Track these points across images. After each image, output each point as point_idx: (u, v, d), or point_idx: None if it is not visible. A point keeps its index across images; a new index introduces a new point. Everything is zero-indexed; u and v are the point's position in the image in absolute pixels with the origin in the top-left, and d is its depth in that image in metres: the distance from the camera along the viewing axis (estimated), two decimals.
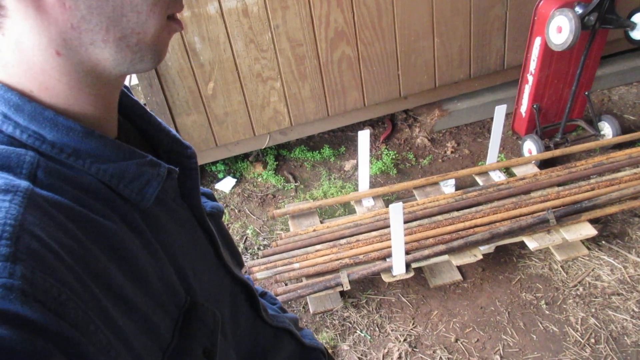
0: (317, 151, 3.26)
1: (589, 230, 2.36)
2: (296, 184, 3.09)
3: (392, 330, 2.25)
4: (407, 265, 2.25)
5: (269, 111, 2.95)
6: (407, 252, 2.25)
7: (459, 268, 2.42)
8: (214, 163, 3.16)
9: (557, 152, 2.87)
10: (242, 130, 2.97)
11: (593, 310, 2.23)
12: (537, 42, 2.77)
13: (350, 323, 2.29)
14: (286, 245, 2.44)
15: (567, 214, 2.37)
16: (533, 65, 2.85)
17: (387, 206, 2.59)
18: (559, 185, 2.62)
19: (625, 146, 2.91)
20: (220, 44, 2.67)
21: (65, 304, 0.39)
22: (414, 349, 2.17)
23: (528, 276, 2.41)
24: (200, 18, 2.57)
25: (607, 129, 3.00)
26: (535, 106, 2.94)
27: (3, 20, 0.44)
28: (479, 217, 2.41)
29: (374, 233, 2.43)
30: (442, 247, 2.27)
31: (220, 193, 3.06)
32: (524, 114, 3.05)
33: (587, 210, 2.39)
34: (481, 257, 2.31)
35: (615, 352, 2.06)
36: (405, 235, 2.21)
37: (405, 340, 2.21)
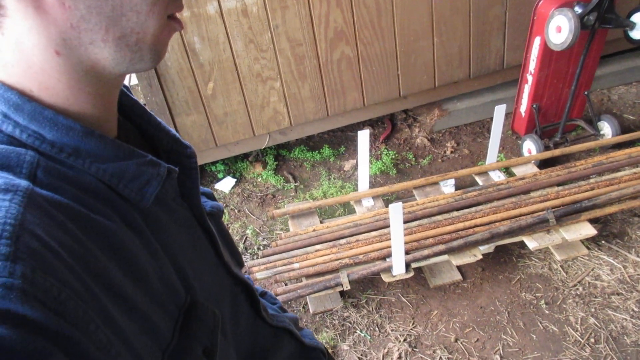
0: (317, 151, 3.26)
1: (589, 230, 2.36)
2: (296, 184, 3.09)
3: (392, 330, 2.25)
4: (407, 265, 2.25)
5: (269, 111, 2.95)
6: (407, 252, 2.25)
7: (459, 268, 2.42)
8: (214, 163, 3.16)
9: (556, 152, 2.87)
10: (242, 130, 2.97)
11: (593, 310, 2.23)
12: (537, 42, 2.77)
13: (350, 323, 2.29)
14: (286, 245, 2.44)
15: (567, 214, 2.37)
16: (532, 65, 2.85)
17: (386, 206, 2.59)
18: (558, 185, 2.62)
19: (624, 146, 2.91)
20: (219, 44, 2.67)
21: (65, 303, 0.39)
22: (414, 349, 2.17)
23: (528, 276, 2.41)
24: (200, 18, 2.57)
25: (606, 129, 3.00)
26: (534, 106, 2.94)
27: (3, 19, 0.44)
28: (479, 217, 2.41)
29: (373, 233, 2.43)
30: (441, 247, 2.27)
31: (220, 193, 3.06)
32: (523, 114, 3.05)
33: (587, 210, 2.39)
34: (481, 257, 2.31)
35: (615, 352, 2.06)
36: (405, 235, 2.21)
37: (405, 340, 2.21)
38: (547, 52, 2.75)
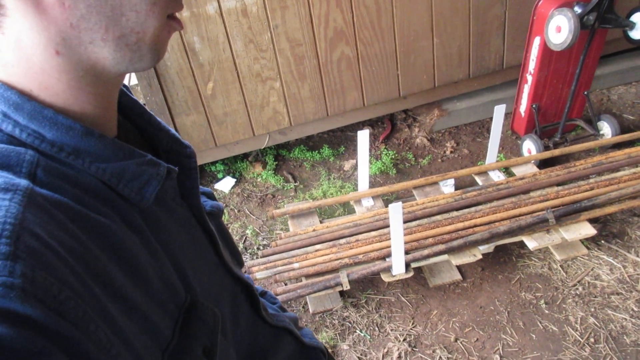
0: (317, 151, 3.26)
1: (588, 230, 2.36)
2: (295, 184, 3.09)
3: (391, 330, 2.25)
4: (407, 265, 2.25)
5: (269, 111, 2.95)
6: (407, 252, 2.25)
7: (459, 268, 2.42)
8: (214, 163, 3.16)
9: (556, 152, 2.87)
10: (242, 130, 2.97)
11: (592, 309, 2.23)
12: (536, 42, 2.77)
13: (350, 323, 2.29)
14: (286, 245, 2.44)
15: (567, 214, 2.37)
16: (532, 64, 2.85)
17: (386, 206, 2.59)
18: (558, 184, 2.62)
19: (624, 146, 2.92)
20: (219, 43, 2.67)
21: (65, 303, 0.39)
22: (414, 349, 2.17)
23: (527, 276, 2.41)
24: (200, 18, 2.57)
25: (606, 129, 3.00)
26: (534, 106, 2.94)
27: (3, 19, 0.44)
28: (479, 217, 2.41)
29: (373, 233, 2.43)
30: (441, 247, 2.27)
31: (220, 193, 3.06)
32: (523, 114, 3.05)
33: (587, 210, 2.39)
34: (480, 256, 2.31)
35: (614, 352, 2.06)
36: (404, 235, 2.21)
37: (404, 339, 2.21)
38: (546, 52, 2.75)
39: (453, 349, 2.16)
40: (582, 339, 2.13)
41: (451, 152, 3.20)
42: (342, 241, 2.41)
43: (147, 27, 0.49)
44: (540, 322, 2.21)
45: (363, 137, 2.55)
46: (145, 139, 0.64)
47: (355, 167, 3.12)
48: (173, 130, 0.65)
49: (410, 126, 3.39)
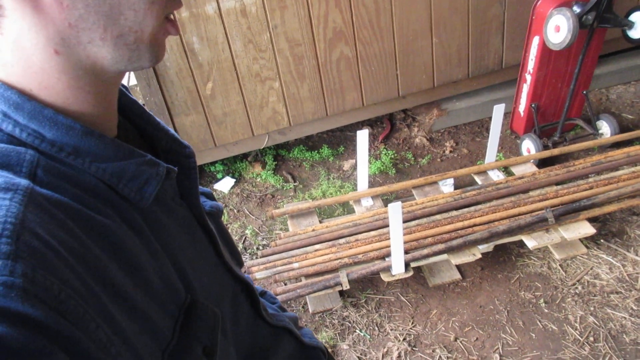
0: (316, 151, 3.26)
1: (588, 229, 2.36)
2: (295, 184, 3.09)
3: (391, 330, 2.25)
4: (406, 265, 2.25)
5: (268, 111, 2.95)
6: (406, 252, 2.25)
7: (458, 267, 2.42)
8: (213, 163, 3.16)
9: (555, 151, 2.87)
10: (241, 130, 2.97)
11: (592, 308, 2.23)
12: (535, 42, 2.78)
13: (350, 322, 2.29)
14: (285, 245, 2.44)
15: (566, 213, 2.38)
16: (531, 64, 2.86)
17: (386, 206, 2.60)
18: (557, 184, 2.62)
19: (623, 145, 2.92)
20: (218, 44, 2.67)
21: (66, 302, 0.39)
22: (414, 348, 2.17)
23: (527, 275, 2.41)
24: (199, 18, 2.57)
25: (605, 128, 3.00)
26: (533, 105, 2.94)
27: (1, 19, 0.44)
28: (478, 216, 2.41)
29: (373, 232, 2.43)
30: (441, 247, 2.27)
31: (219, 193, 3.06)
32: (522, 113, 3.05)
33: (586, 209, 2.39)
34: (480, 256, 2.31)
35: (614, 350, 2.07)
36: (404, 234, 2.21)
37: (404, 339, 2.21)
38: (545, 51, 2.75)
39: (453, 349, 2.16)
40: (581, 337, 2.13)
41: (450, 151, 3.20)
42: (341, 241, 2.41)
43: (146, 26, 0.49)
44: (540, 321, 2.22)
45: (362, 137, 2.55)
46: (144, 139, 0.64)
47: (354, 167, 3.12)
48: (172, 131, 0.65)
49: (410, 126, 3.39)
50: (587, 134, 3.05)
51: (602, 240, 2.50)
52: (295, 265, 2.30)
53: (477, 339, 2.19)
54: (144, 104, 0.63)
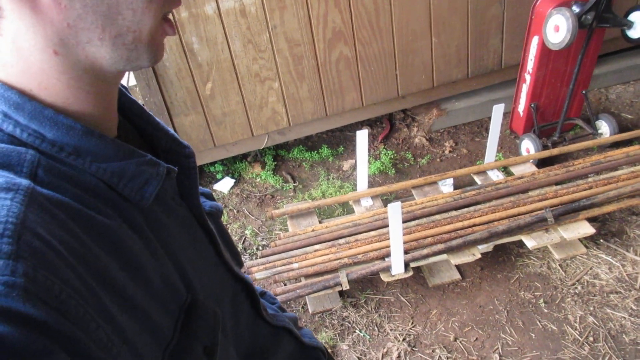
0: (316, 151, 3.26)
1: (587, 229, 2.36)
2: (295, 184, 3.09)
3: (391, 330, 2.25)
4: (406, 265, 2.25)
5: (267, 111, 2.95)
6: (406, 252, 2.25)
7: (458, 267, 2.42)
8: (213, 163, 3.16)
9: (554, 151, 2.87)
10: (241, 130, 2.97)
11: (591, 308, 2.23)
12: (535, 41, 2.78)
13: (350, 323, 2.29)
14: (285, 246, 2.44)
15: (565, 213, 2.38)
16: (530, 64, 2.86)
17: (385, 206, 2.60)
18: (557, 184, 2.62)
19: (622, 145, 2.92)
20: (218, 44, 2.67)
21: (66, 302, 0.39)
22: (413, 348, 2.17)
23: (526, 275, 2.41)
24: (198, 18, 2.57)
25: (604, 128, 3.00)
26: (532, 105, 2.95)
27: (0, 20, 0.44)
28: (478, 216, 2.41)
29: (372, 233, 2.43)
30: (440, 247, 2.27)
31: (219, 193, 3.06)
32: (521, 113, 3.06)
33: (585, 209, 2.40)
34: (480, 256, 2.31)
35: (613, 350, 2.07)
36: (403, 234, 2.21)
37: (404, 339, 2.21)
38: (545, 51, 2.75)
39: (452, 349, 2.16)
40: (581, 337, 2.13)
41: (450, 151, 3.21)
42: (341, 241, 2.41)
43: (144, 26, 0.49)
44: (540, 321, 2.22)
45: (362, 137, 2.55)
46: (144, 139, 0.64)
47: (354, 167, 3.12)
48: (172, 131, 0.65)
49: (409, 126, 3.39)
50: (587, 133, 3.05)
51: (601, 240, 2.51)
52: (295, 265, 2.30)
53: (476, 339, 2.19)
54: (143, 104, 0.64)
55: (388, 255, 2.27)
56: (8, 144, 0.46)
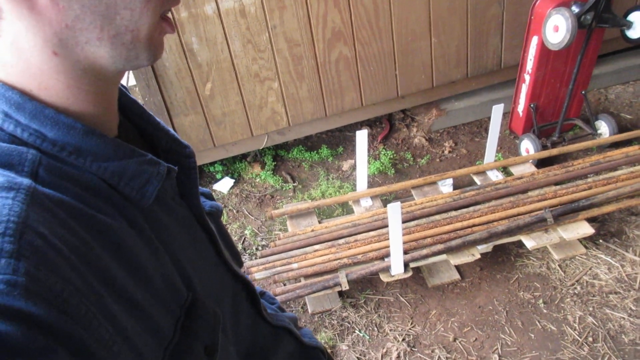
0: (315, 151, 3.27)
1: (587, 229, 2.36)
2: (294, 184, 3.09)
3: (390, 330, 2.25)
4: (406, 265, 2.25)
5: (267, 111, 2.95)
6: (406, 252, 2.25)
7: (457, 267, 2.42)
8: (212, 163, 3.16)
9: (554, 151, 2.87)
10: (240, 130, 2.97)
11: (591, 308, 2.24)
12: (534, 42, 2.78)
13: (349, 323, 2.29)
14: (284, 246, 2.44)
15: (565, 213, 2.38)
16: (530, 64, 2.86)
17: (385, 206, 2.60)
18: (556, 184, 2.63)
19: (622, 145, 2.92)
20: (217, 44, 2.67)
21: (68, 301, 0.39)
22: (413, 349, 2.17)
23: (526, 275, 2.41)
24: (198, 18, 2.57)
25: (603, 128, 3.01)
26: (532, 105, 2.95)
27: None
28: (477, 217, 2.41)
29: (372, 233, 2.43)
30: (440, 247, 2.27)
31: (218, 193, 3.06)
32: (521, 113, 3.06)
33: (585, 209, 2.40)
34: (479, 256, 2.31)
35: (613, 351, 2.07)
36: (403, 235, 2.21)
37: (403, 339, 2.21)
38: (544, 51, 2.75)
39: (452, 349, 2.16)
40: (580, 338, 2.13)
41: (449, 151, 3.21)
42: (340, 241, 2.41)
43: (142, 25, 0.49)
44: (539, 322, 2.22)
45: (361, 137, 2.55)
46: (144, 139, 0.64)
47: (353, 167, 3.12)
48: (172, 130, 0.65)
49: (409, 126, 3.40)
50: (586, 134, 3.05)
51: (600, 241, 2.51)
52: (295, 265, 2.30)
53: (476, 339, 2.19)
54: (143, 104, 0.64)
55: (387, 255, 2.27)
56: (9, 143, 0.46)
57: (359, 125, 3.39)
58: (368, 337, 2.23)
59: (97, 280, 0.44)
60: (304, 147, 3.31)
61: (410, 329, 2.25)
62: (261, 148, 3.13)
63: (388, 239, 2.22)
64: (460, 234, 2.34)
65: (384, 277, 2.26)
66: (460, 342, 2.18)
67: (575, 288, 2.33)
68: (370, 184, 2.97)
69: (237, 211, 2.95)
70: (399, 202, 2.12)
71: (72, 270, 0.41)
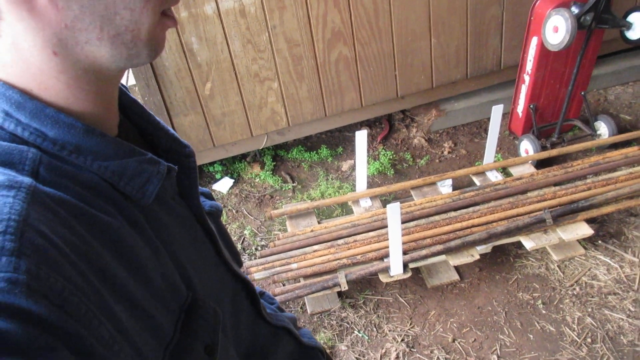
0: (315, 151, 3.27)
1: (586, 230, 2.36)
2: (294, 185, 3.09)
3: (389, 331, 2.25)
4: (405, 266, 2.25)
5: (267, 111, 2.95)
6: (405, 253, 2.25)
7: (456, 268, 2.42)
8: (212, 163, 3.16)
9: (553, 152, 2.87)
10: (240, 130, 2.97)
11: (589, 309, 2.24)
12: (534, 42, 2.78)
13: (348, 323, 2.29)
14: (284, 246, 2.44)
15: (564, 214, 2.38)
16: (529, 65, 2.86)
17: (384, 206, 2.59)
18: (555, 185, 2.63)
19: (621, 146, 2.92)
20: (217, 44, 2.67)
21: (69, 299, 0.39)
22: (412, 349, 2.17)
23: (525, 276, 2.41)
24: (198, 18, 2.57)
25: (603, 129, 3.01)
26: (531, 106, 2.95)
27: None
28: (476, 217, 2.42)
29: (371, 233, 2.43)
30: (439, 247, 2.27)
31: (218, 194, 3.06)
32: (520, 114, 3.06)
33: (584, 210, 2.40)
34: (478, 257, 2.31)
35: (611, 352, 2.07)
36: (402, 235, 2.21)
37: (402, 340, 2.21)
38: (544, 52, 2.76)
39: (451, 350, 2.16)
40: (579, 339, 2.13)
41: (449, 152, 3.21)
42: (340, 242, 2.41)
43: (142, 25, 0.49)
44: (538, 323, 2.22)
45: (361, 137, 2.55)
46: (144, 138, 0.64)
47: (353, 168, 3.12)
48: (172, 130, 0.65)
49: (408, 126, 3.40)
50: (585, 134, 3.05)
51: (599, 242, 2.51)
52: (294, 266, 2.30)
53: (475, 340, 2.19)
54: (143, 104, 0.64)
55: (387, 256, 2.27)
56: (10, 142, 0.46)
57: (359, 125, 3.39)
58: (367, 338, 2.23)
59: (98, 279, 0.44)
60: (303, 147, 3.31)
61: (409, 329, 2.25)
62: (261, 148, 3.13)
63: (387, 239, 2.22)
64: (459, 235, 2.34)
65: (383, 278, 2.26)
66: (459, 343, 2.18)
67: (574, 289, 2.33)
68: (370, 185, 2.97)
69: (237, 211, 2.95)
70: (398, 203, 2.12)
71: (72, 269, 0.41)
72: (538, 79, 2.87)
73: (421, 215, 2.49)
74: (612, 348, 2.08)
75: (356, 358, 2.16)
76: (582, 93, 2.96)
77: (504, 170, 2.89)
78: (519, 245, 2.45)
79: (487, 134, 2.77)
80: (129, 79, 2.77)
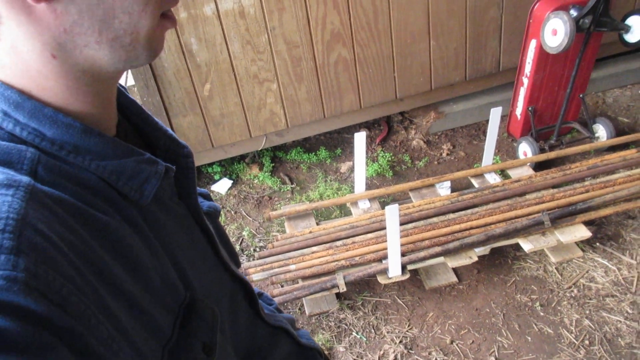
0: (313, 153, 3.27)
1: (584, 232, 2.37)
2: (292, 186, 3.09)
3: (387, 332, 2.25)
4: (403, 267, 2.26)
5: (265, 113, 2.95)
6: (403, 254, 2.26)
7: (455, 270, 2.43)
8: (210, 164, 3.16)
9: (552, 155, 2.88)
10: (239, 131, 2.97)
11: (587, 312, 2.24)
12: (533, 45, 2.79)
13: (346, 325, 2.29)
14: (282, 247, 2.44)
15: (562, 216, 2.38)
16: (528, 67, 2.87)
17: (383, 208, 2.60)
18: (553, 187, 2.63)
19: (619, 148, 2.93)
20: (216, 45, 2.67)
21: (67, 298, 0.39)
22: (410, 351, 2.17)
23: (523, 278, 2.42)
24: (197, 19, 2.58)
25: (601, 132, 3.01)
26: (530, 108, 2.95)
27: None
28: (475, 219, 2.42)
29: (370, 235, 2.43)
30: (437, 249, 2.27)
31: (216, 194, 3.06)
32: (519, 117, 3.06)
33: (582, 212, 2.40)
34: (476, 259, 2.31)
35: (609, 354, 2.07)
36: (401, 237, 2.21)
37: (400, 342, 2.21)
38: (542, 55, 2.76)
39: (449, 351, 2.16)
40: (577, 341, 2.13)
41: (447, 154, 3.21)
42: (338, 243, 2.41)
43: (141, 28, 0.49)
44: (536, 325, 2.22)
45: (360, 139, 2.55)
46: (142, 139, 0.64)
47: (351, 169, 3.12)
48: (170, 130, 0.66)
49: (407, 128, 3.40)
50: (584, 137, 3.06)
51: (597, 244, 2.51)
52: (292, 267, 2.30)
53: (473, 341, 2.19)
54: (141, 105, 0.64)
55: (385, 257, 2.27)
56: (8, 142, 0.46)
57: (358, 127, 3.39)
58: (365, 339, 2.23)
59: (96, 278, 0.44)
60: (302, 148, 3.31)
61: (407, 331, 2.25)
62: (259, 149, 3.13)
63: (386, 241, 2.22)
64: (457, 237, 2.34)
65: (381, 279, 2.27)
66: (457, 345, 2.18)
67: (572, 291, 2.33)
68: (368, 186, 2.97)
69: (235, 212, 2.95)
70: (396, 205, 2.12)
71: (71, 267, 0.41)
72: (537, 81, 2.88)
73: (419, 217, 2.49)
74: (610, 350, 2.08)
75: (354, 359, 2.16)
76: (581, 96, 2.97)
77: (503, 173, 2.89)
78: (517, 247, 2.45)
79: (485, 136, 2.77)
80: (127, 80, 2.76)
